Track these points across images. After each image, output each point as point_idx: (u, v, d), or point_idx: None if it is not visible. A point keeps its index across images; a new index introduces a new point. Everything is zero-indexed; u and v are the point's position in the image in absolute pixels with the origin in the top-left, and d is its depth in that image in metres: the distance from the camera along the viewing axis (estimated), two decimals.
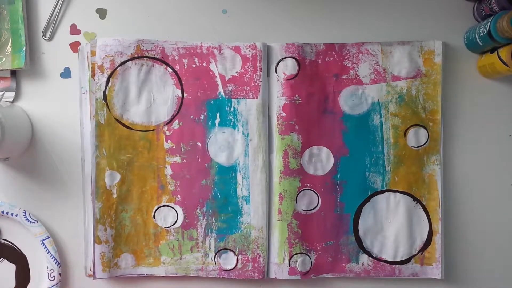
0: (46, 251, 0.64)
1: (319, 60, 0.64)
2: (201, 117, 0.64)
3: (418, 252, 0.63)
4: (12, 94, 0.65)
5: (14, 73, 0.65)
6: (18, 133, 0.63)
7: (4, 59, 0.64)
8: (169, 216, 0.64)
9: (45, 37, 0.66)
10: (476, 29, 0.61)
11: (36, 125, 0.66)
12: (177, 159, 0.64)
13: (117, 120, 0.63)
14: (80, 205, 0.65)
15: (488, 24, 0.58)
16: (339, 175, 0.64)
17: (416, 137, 0.64)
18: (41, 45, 0.66)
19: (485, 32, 0.59)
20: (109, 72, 0.63)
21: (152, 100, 0.64)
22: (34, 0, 0.66)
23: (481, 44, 0.61)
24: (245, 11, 0.66)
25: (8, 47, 0.64)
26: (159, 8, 0.66)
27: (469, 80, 0.65)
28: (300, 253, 0.63)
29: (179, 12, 0.66)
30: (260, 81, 0.63)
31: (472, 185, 0.65)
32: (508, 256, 0.65)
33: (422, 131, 0.64)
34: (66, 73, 0.66)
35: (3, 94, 0.65)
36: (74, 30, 0.66)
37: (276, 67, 0.64)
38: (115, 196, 0.63)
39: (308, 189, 0.64)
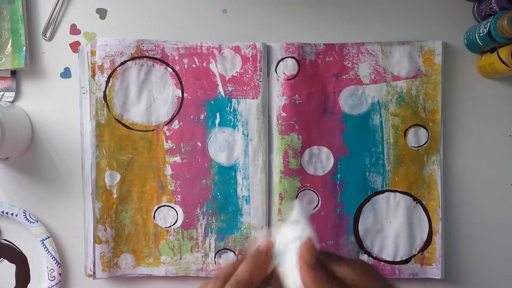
0: (46, 251, 0.64)
1: (319, 60, 0.64)
2: (201, 117, 0.64)
3: (418, 252, 0.63)
4: (12, 94, 0.65)
5: (14, 73, 0.65)
6: (18, 133, 0.63)
7: (4, 59, 0.64)
8: (169, 216, 0.64)
9: (45, 37, 0.66)
10: (476, 29, 0.61)
11: (36, 125, 0.66)
12: (177, 159, 0.64)
13: (117, 120, 0.63)
14: (80, 205, 0.65)
15: (488, 24, 0.58)
16: (339, 175, 0.64)
17: (416, 137, 0.63)
18: (41, 45, 0.66)
19: (485, 32, 0.59)
20: (109, 72, 0.63)
21: (152, 100, 0.64)
22: (34, 0, 0.66)
23: (481, 44, 0.61)
24: (245, 11, 0.66)
25: (8, 47, 0.64)
26: (159, 8, 0.66)
27: (469, 80, 0.65)
28: None
29: (179, 12, 0.66)
30: (260, 81, 0.63)
31: (472, 185, 0.65)
32: (508, 256, 0.65)
33: (422, 131, 0.64)
34: (66, 73, 0.66)
35: (3, 94, 0.65)
36: (74, 30, 0.66)
37: (276, 67, 0.64)
38: (115, 196, 0.63)
39: (308, 189, 0.64)
